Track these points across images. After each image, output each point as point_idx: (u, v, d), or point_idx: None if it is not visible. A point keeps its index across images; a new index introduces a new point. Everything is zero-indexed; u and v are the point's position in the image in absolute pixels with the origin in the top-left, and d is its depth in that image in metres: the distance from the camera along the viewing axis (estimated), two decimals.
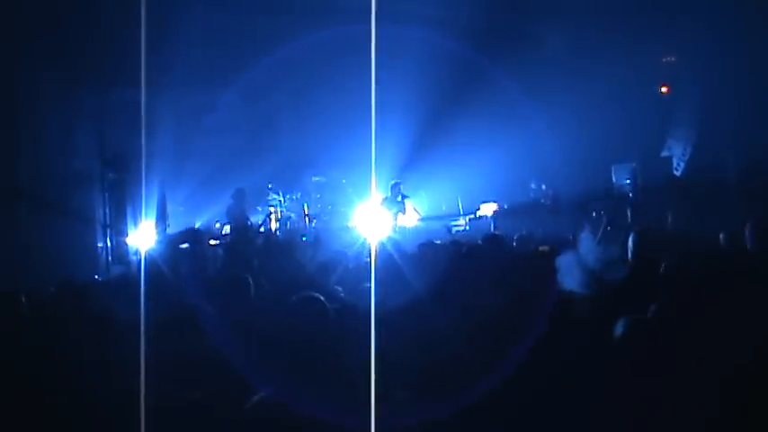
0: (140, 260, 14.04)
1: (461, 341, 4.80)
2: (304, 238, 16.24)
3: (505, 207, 19.26)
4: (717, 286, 5.44)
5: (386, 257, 7.66)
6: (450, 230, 18.42)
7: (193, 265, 9.53)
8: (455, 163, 19.38)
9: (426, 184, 19.96)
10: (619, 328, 4.65)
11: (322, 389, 3.12)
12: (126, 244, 16.22)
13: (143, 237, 15.37)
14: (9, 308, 5.78)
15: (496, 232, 14.61)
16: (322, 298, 5.57)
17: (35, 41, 14.28)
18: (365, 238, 14.70)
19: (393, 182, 18.60)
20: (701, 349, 4.22)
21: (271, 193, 19.66)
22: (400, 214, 18.44)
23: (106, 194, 16.59)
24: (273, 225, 19.27)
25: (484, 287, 6.07)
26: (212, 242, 16.29)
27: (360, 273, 7.54)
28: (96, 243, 16.45)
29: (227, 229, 17.49)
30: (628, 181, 18.96)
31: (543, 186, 20.09)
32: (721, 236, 7.84)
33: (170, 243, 14.39)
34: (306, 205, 19.99)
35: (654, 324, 4.67)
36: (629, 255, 6.85)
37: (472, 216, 19.62)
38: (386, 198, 18.41)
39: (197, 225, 16.63)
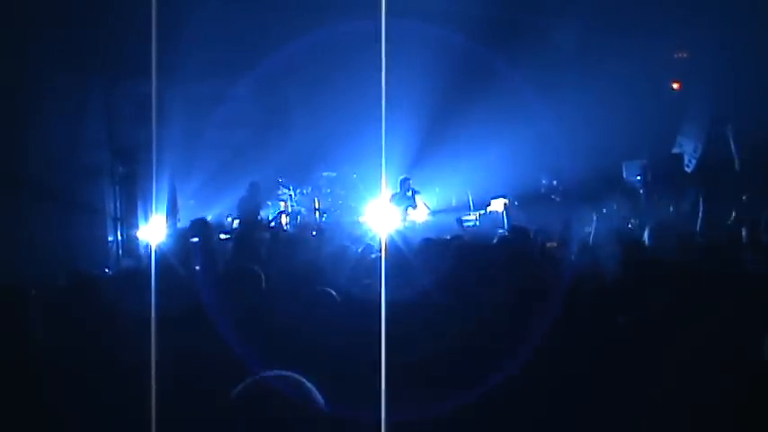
0: (151, 253, 14.05)
1: (470, 336, 4.80)
2: (314, 233, 16.25)
3: (516, 203, 19.22)
4: (729, 282, 5.43)
5: (394, 252, 7.65)
6: (461, 225, 18.42)
7: (204, 259, 9.53)
8: (465, 158, 19.36)
9: (436, 179, 19.94)
10: (626, 325, 4.65)
11: (332, 382, 3.12)
12: (136, 237, 16.24)
13: (153, 230, 15.39)
14: (18, 300, 5.79)
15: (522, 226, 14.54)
16: (333, 292, 5.57)
17: (45, 34, 14.30)
18: (375, 233, 14.70)
19: (402, 177, 18.62)
20: (710, 344, 4.21)
21: (281, 188, 19.69)
22: (410, 209, 18.45)
23: (116, 188, 16.60)
24: (284, 219, 19.29)
25: (491, 282, 6.06)
26: (223, 236, 16.30)
27: (368, 267, 7.53)
28: (107, 236, 16.48)
29: (237, 223, 17.50)
30: (638, 177, 18.89)
31: (554, 182, 20.04)
32: (743, 231, 7.83)
33: (180, 236, 14.40)
34: (316, 200, 20.02)
35: (660, 321, 4.67)
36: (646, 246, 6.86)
37: (483, 211, 19.59)
38: (395, 194, 18.42)
39: (209, 218, 16.62)
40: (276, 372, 3.13)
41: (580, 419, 3.96)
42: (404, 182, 18.55)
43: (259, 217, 17.41)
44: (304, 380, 3.08)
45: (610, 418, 3.95)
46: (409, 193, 18.52)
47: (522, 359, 4.26)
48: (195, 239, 10.86)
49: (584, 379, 4.18)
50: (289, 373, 3.10)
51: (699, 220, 11.78)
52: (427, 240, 8.52)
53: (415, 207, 18.59)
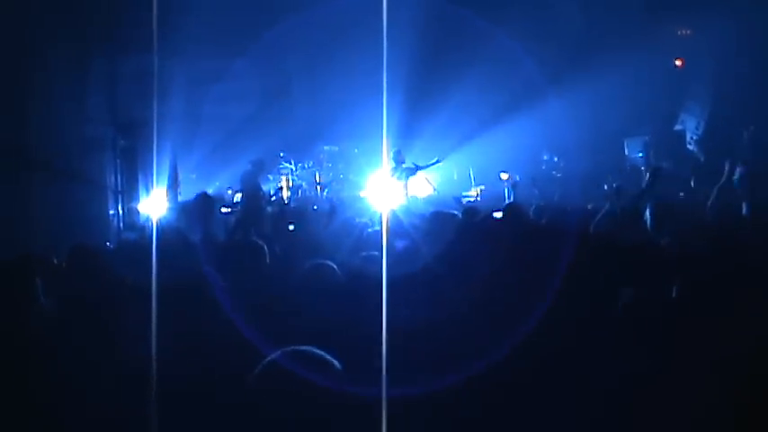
0: (152, 227, 14.05)
1: (471, 310, 4.81)
2: (315, 207, 16.25)
3: (517, 178, 19.20)
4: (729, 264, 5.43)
5: (395, 226, 7.66)
6: (459, 201, 18.38)
7: (204, 232, 9.53)
8: (467, 134, 19.34)
9: (437, 153, 19.88)
10: (628, 303, 4.66)
11: (332, 356, 3.12)
12: (137, 211, 16.23)
13: (155, 204, 15.38)
14: (21, 274, 5.80)
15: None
16: (334, 266, 5.58)
17: (47, 7, 14.25)
18: (376, 208, 14.69)
19: (394, 149, 18.43)
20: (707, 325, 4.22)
21: (282, 162, 19.68)
22: (411, 179, 18.28)
23: (118, 161, 16.59)
24: (285, 194, 19.29)
25: (495, 257, 6.07)
26: (224, 210, 16.31)
27: (369, 241, 7.53)
28: (108, 210, 16.47)
29: (238, 197, 17.50)
30: (640, 154, 18.88)
31: (555, 158, 20.03)
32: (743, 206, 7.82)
33: (181, 210, 14.40)
34: (317, 174, 20.00)
35: (662, 301, 4.68)
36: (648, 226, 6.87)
37: (483, 187, 19.56)
38: (395, 167, 18.32)
39: (210, 191, 16.61)
40: (297, 348, 3.11)
41: (583, 389, 3.98)
42: (397, 154, 18.34)
43: (261, 192, 17.37)
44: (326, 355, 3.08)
45: (611, 389, 3.96)
46: (407, 164, 18.30)
47: (523, 333, 4.28)
48: (196, 213, 10.86)
49: (587, 350, 4.19)
50: (310, 349, 3.09)
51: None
52: (436, 214, 8.54)
53: (414, 174, 18.35)
